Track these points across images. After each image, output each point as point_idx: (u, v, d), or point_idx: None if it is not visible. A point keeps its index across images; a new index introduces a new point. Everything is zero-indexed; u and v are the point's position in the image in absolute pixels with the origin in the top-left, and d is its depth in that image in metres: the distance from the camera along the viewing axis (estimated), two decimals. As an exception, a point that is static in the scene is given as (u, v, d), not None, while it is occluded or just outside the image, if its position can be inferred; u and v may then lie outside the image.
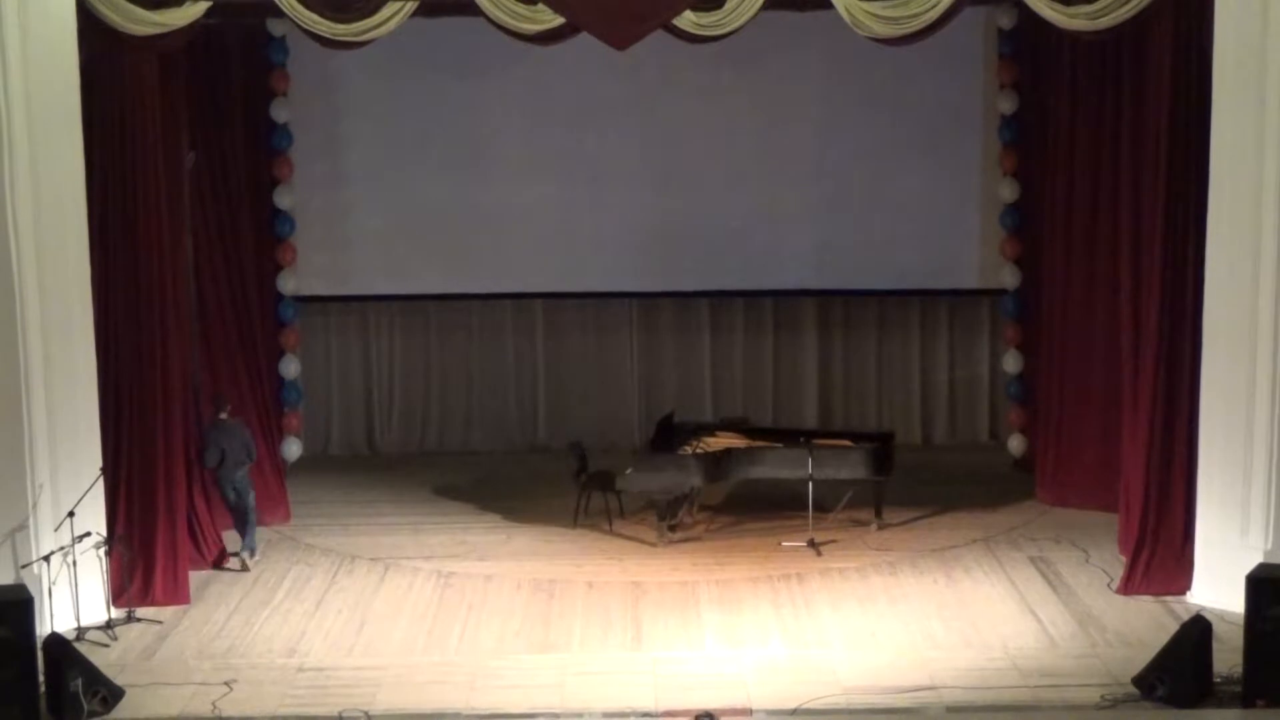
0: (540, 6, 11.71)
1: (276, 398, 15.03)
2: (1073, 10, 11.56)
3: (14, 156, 11.21)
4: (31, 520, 11.36)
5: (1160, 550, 11.96)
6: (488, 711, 10.18)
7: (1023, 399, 15.27)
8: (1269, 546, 11.34)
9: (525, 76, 15.17)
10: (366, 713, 10.13)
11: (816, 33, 13.94)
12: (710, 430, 14.33)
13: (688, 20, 11.82)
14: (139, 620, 11.73)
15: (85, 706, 10.06)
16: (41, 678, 10.20)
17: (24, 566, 11.25)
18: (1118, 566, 12.30)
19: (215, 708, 10.23)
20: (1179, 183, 11.76)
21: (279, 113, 14.89)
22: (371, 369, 16.42)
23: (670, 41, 12.18)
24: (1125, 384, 12.46)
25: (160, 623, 11.71)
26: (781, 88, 15.37)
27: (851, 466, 13.49)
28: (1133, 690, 10.21)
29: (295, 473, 15.09)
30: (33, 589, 10.58)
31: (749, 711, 10.10)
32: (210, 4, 11.77)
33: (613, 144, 15.46)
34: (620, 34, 11.82)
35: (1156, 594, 11.85)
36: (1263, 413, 11.39)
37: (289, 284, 15.22)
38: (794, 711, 10.07)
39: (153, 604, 11.98)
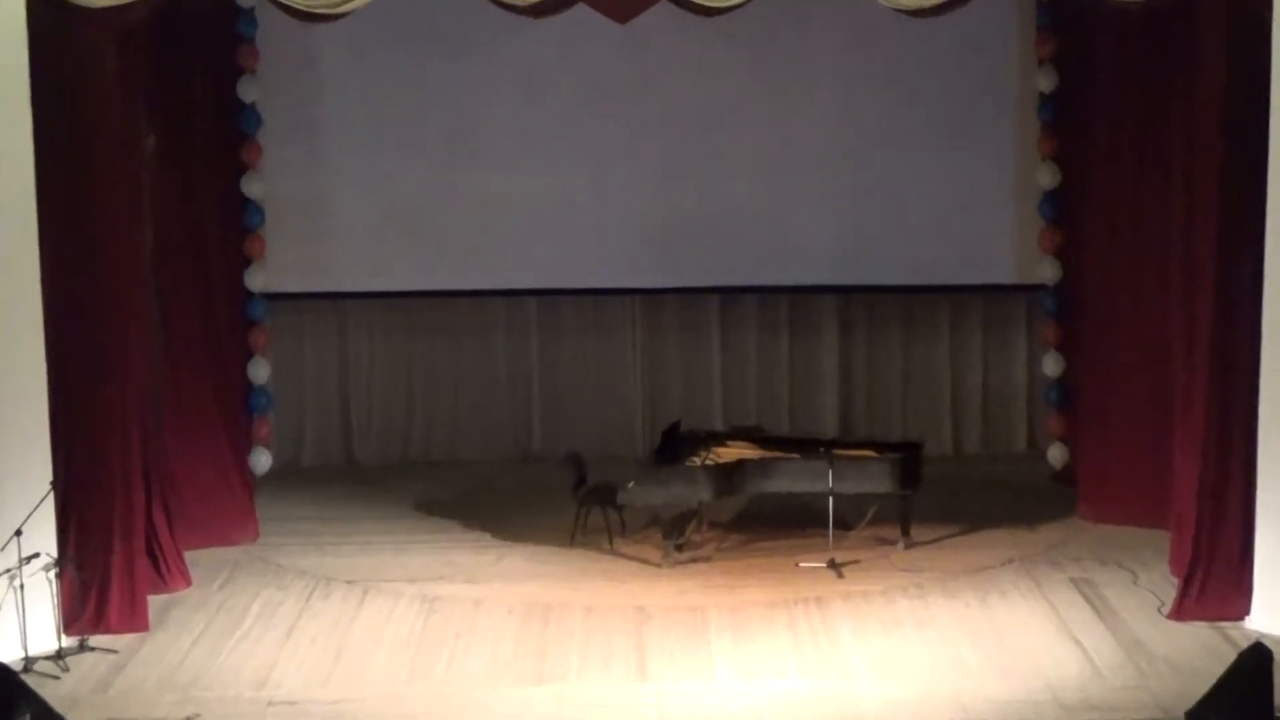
0: (535, -24, 11.66)
1: (244, 404, 14.96)
2: (1117, -23, 11.51)
3: (-45, 143, 11.19)
4: (-26, 540, 11.31)
5: (1216, 571, 11.89)
6: (476, 749, 10.16)
7: (1063, 405, 15.22)
8: (1335, 567, 11.32)
9: (518, 54, 15.14)
10: (343, 751, 10.11)
11: (835, 4, 13.94)
12: (720, 440, 14.27)
13: (694, -10, 11.76)
14: (93, 649, 11.67)
15: (34, 745, 10.01)
16: (-15, 713, 10.14)
17: (-34, 591, 11.23)
18: (1169, 589, 12.26)
19: (177, 745, 10.21)
20: (1235, 166, 11.68)
21: (247, 92, 14.82)
22: (349, 372, 16.40)
23: (677, 15, 12.13)
24: (1176, 388, 12.40)
25: (116, 652, 11.66)
26: (797, 65, 15.35)
27: (875, 479, 13.44)
28: (1185, 725, 10.17)
29: (265, 486, 15.04)
30: (-24, 615, 10.55)
31: (764, 749, 10.08)
32: (172, -26, 11.74)
33: (614, 128, 15.43)
34: (622, 7, 11.80)
35: (1211, 619, 11.81)
36: (1328, 419, 11.36)
37: (258, 280, 15.16)
38: (813, 749, 10.04)
39: (108, 631, 11.90)
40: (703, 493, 13.39)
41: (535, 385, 16.44)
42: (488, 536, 14.09)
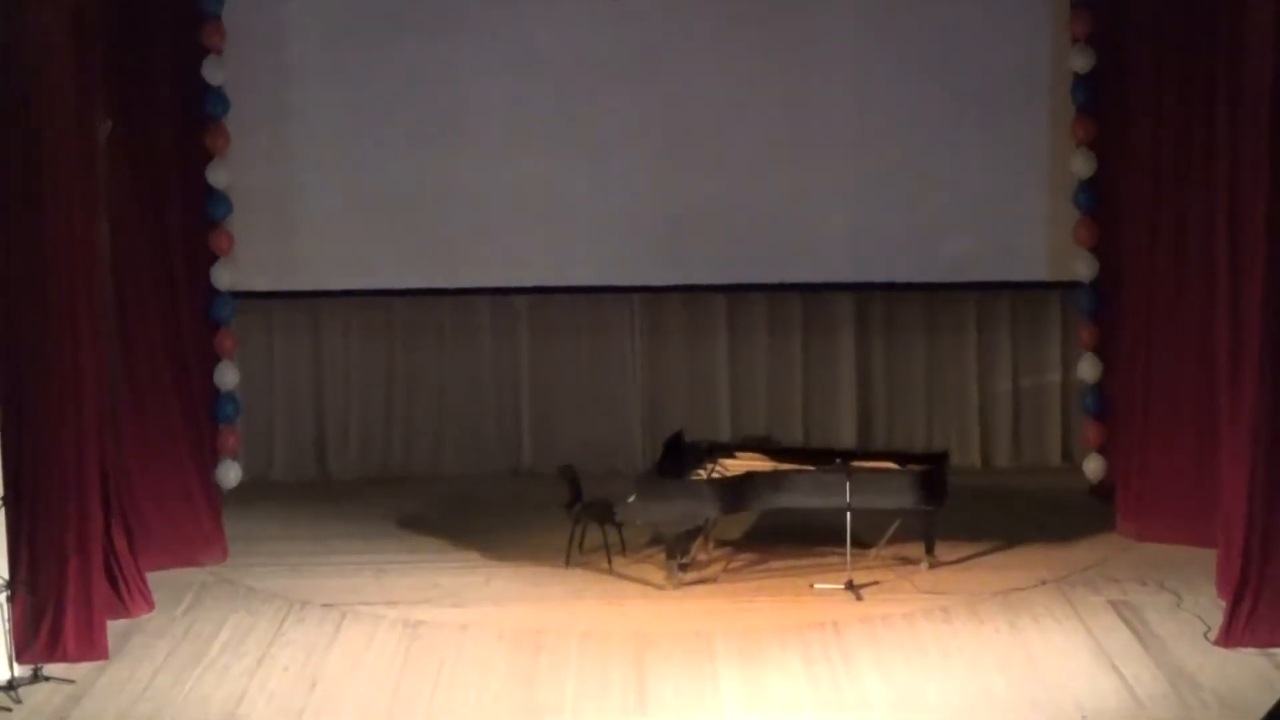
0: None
1: (210, 412, 15.02)
2: (1159, -52, 11.52)
3: (-107, 129, 11.21)
4: (-82, 561, 11.33)
5: (1267, 593, 11.86)
6: (463, 788, 10.18)
7: (1101, 413, 15.25)
8: (1396, 588, 11.32)
9: (507, 32, 15.18)
10: (318, 790, 10.12)
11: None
12: (728, 451, 14.34)
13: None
14: (47, 679, 11.64)
15: (-18, 783, 10.03)
16: (-70, 749, 10.16)
17: (-91, 616, 11.25)
18: (1216, 613, 12.24)
19: (138, 784, 10.22)
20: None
21: (213, 73, 14.87)
22: (324, 378, 16.44)
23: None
24: (1223, 394, 12.39)
25: (73, 682, 11.64)
26: (812, 44, 15.39)
27: (896, 494, 13.47)
28: (1235, 761, 10.20)
29: (233, 502, 15.06)
30: (-81, 642, 10.55)
31: (776, 787, 10.09)
32: (131, -56, 11.75)
33: (611, 112, 15.48)
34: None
35: (1263, 646, 11.78)
36: (1388, 428, 11.37)
37: (225, 277, 15.20)
38: (830, 787, 10.06)
39: (64, 659, 11.88)
40: (709, 508, 13.38)
41: (525, 392, 16.45)
42: (475, 556, 14.09)
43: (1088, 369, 15.36)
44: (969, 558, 13.77)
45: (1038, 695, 11.21)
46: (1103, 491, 15.04)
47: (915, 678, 11.54)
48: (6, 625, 11.64)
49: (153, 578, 13.17)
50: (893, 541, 13.73)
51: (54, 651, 11.92)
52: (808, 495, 13.51)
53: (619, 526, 13.69)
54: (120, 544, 12.80)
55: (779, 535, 14.19)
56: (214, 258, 15.12)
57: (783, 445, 14.91)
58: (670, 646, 12.12)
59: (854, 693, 11.35)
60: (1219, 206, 12.53)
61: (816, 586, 13.15)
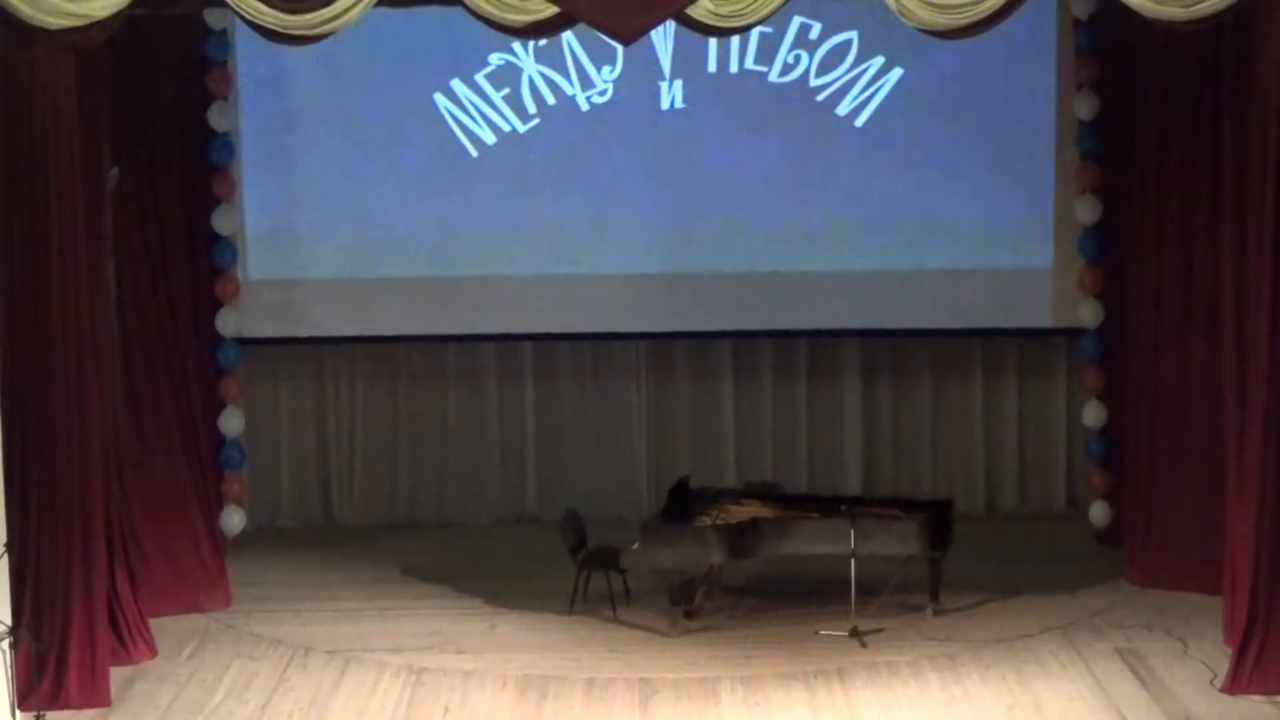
0: (530, -9, 11.71)
1: (215, 459, 14.99)
2: (1163, -5, 11.56)
3: (-99, 175, 11.26)
4: (-79, 607, 11.34)
5: (1273, 639, 11.87)
6: (467, 835, 10.18)
7: (1107, 459, 15.24)
8: (1404, 635, 11.32)
9: (513, 78, 15.24)
10: (322, 837, 10.13)
11: (858, 24, 13.97)
12: (733, 497, 14.31)
13: (704, 9, 11.78)
14: (50, 726, 11.68)
15: (-15, 830, 10.03)
16: (-68, 796, 10.16)
17: (-87, 662, 11.24)
18: (1222, 659, 12.25)
19: (140, 831, 10.23)
20: (1292, 200, 11.75)
21: (218, 120, 14.91)
22: (329, 425, 16.46)
23: (684, 33, 12.19)
24: (1229, 440, 12.39)
25: (76, 728, 11.68)
26: (817, 91, 15.39)
27: (902, 540, 13.46)
28: (1241, 810, 10.20)
29: (237, 548, 15.05)
30: (-77, 689, 10.56)
31: (780, 835, 10.09)
32: (137, -9, 11.80)
33: (616, 154, 15.49)
34: (625, 25, 11.81)
35: (1269, 693, 11.79)
36: (1395, 475, 11.38)
37: (230, 323, 15.22)
38: (834, 835, 10.06)
39: (66, 706, 11.90)
40: (713, 555, 13.40)
41: (530, 438, 16.46)
42: (479, 603, 14.11)
43: (1093, 415, 15.35)
44: (974, 605, 13.78)
45: (1043, 743, 11.26)
46: (1108, 538, 15.03)
47: (920, 725, 11.58)
48: (9, 672, 11.62)
49: (156, 624, 13.20)
50: (897, 589, 13.73)
51: (57, 698, 11.94)
52: (812, 542, 13.51)
53: (623, 573, 13.72)
54: (124, 590, 12.83)
55: (784, 582, 14.20)
56: (219, 304, 15.13)
57: (788, 492, 14.88)
58: (675, 693, 12.14)
59: (859, 740, 11.39)
60: (1225, 254, 12.55)
61: (821, 633, 13.17)
